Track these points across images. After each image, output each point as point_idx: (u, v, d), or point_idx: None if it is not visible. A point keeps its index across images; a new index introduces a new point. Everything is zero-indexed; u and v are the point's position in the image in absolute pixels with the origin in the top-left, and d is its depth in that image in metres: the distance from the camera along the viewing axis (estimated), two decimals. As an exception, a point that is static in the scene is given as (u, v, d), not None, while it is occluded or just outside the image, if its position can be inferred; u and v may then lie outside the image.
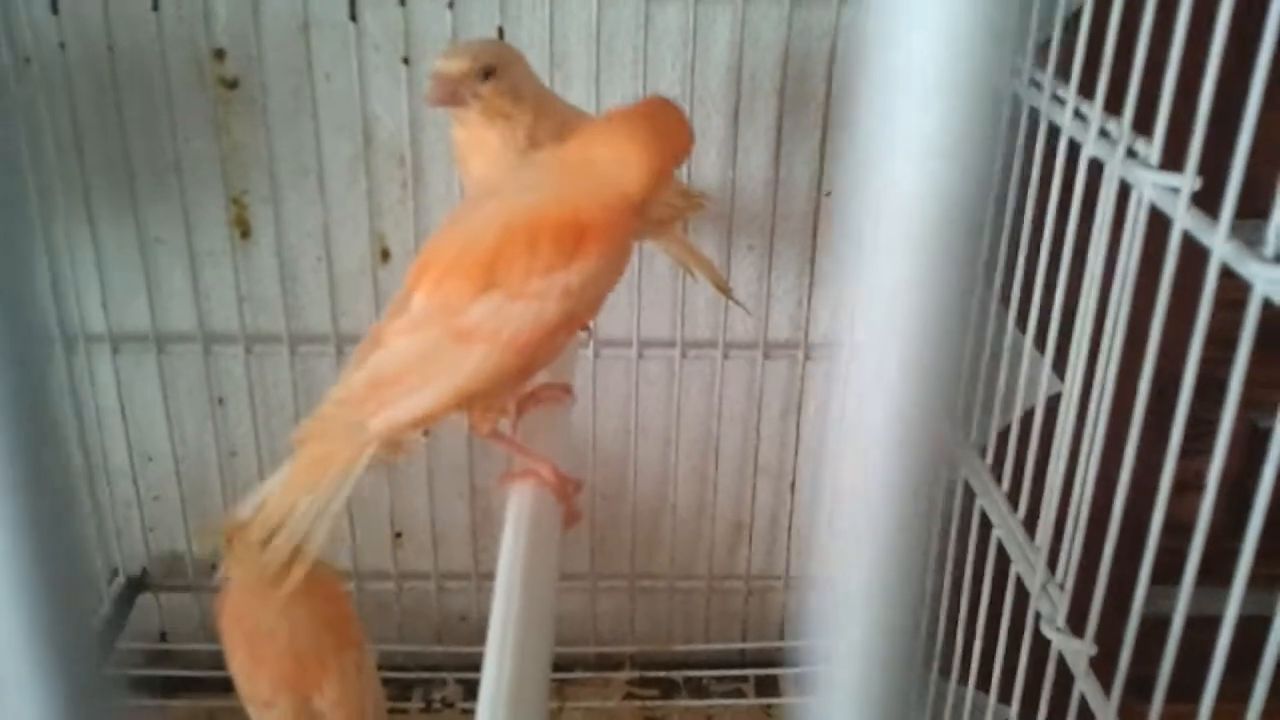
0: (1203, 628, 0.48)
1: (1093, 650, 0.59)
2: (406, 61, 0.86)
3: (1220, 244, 0.46)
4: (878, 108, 0.17)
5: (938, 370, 0.18)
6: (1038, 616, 0.64)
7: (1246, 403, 0.46)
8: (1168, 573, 0.52)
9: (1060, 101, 0.62)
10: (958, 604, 0.79)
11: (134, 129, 0.87)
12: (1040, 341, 0.68)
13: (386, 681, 1.01)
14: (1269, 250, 0.43)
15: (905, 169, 0.17)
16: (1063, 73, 0.63)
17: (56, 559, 0.18)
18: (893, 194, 0.17)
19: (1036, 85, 0.65)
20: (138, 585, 1.02)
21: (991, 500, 0.72)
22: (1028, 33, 0.67)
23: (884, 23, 0.17)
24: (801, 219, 0.93)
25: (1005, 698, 0.73)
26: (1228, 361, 0.46)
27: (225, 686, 1.00)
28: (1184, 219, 0.49)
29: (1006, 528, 0.69)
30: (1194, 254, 0.49)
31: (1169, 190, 0.51)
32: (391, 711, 0.99)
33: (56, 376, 0.17)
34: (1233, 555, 0.46)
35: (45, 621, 0.18)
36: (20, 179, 0.16)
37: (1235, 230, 0.47)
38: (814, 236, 0.93)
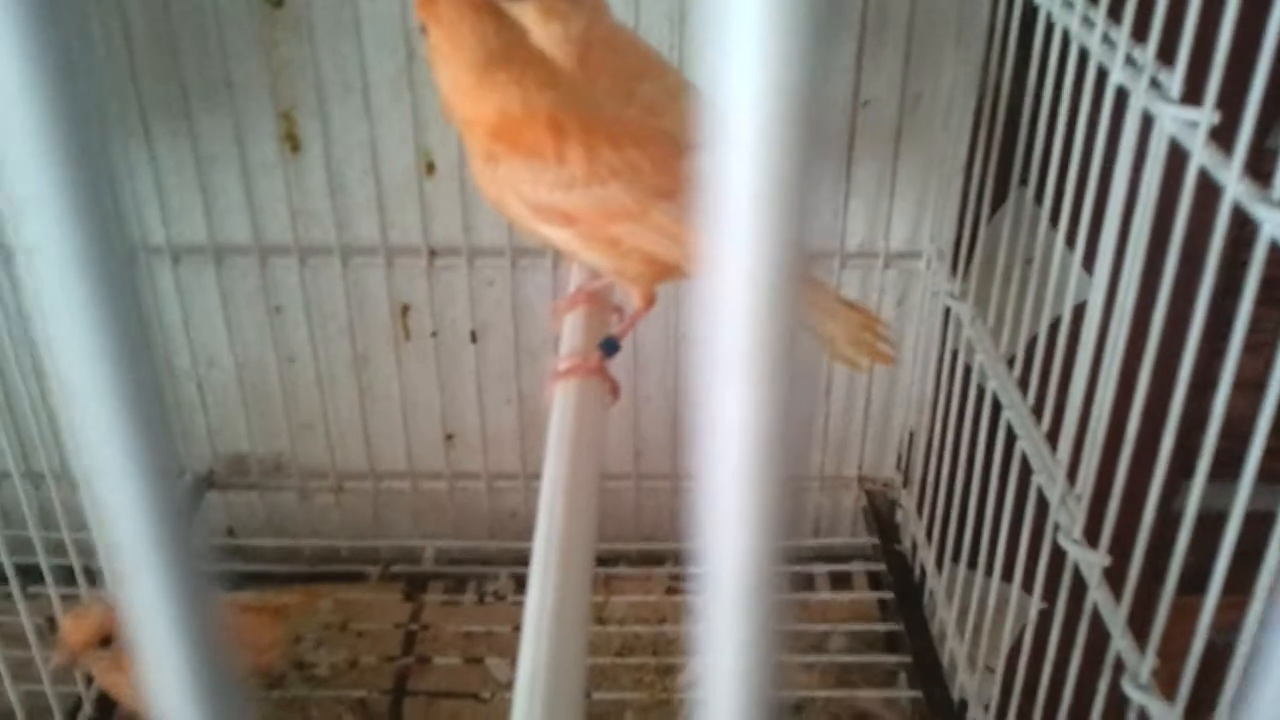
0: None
1: (1107, 561, 0.61)
2: (447, -22, 0.87)
3: (1234, 184, 0.47)
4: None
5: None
6: (1056, 527, 0.66)
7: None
8: (1191, 469, 0.54)
9: (1090, 24, 0.63)
10: (984, 508, 0.82)
11: (185, 48, 0.90)
12: (1070, 241, 0.69)
13: (442, 575, 1.07)
14: (1279, 194, 0.44)
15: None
16: (1094, -6, 0.63)
17: (156, 437, 0.19)
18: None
19: (1069, 5, 0.66)
20: (205, 484, 1.08)
21: (1017, 412, 0.74)
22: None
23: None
24: (837, 130, 0.94)
25: (1028, 588, 0.76)
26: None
27: (289, 579, 1.07)
28: (1201, 155, 0.50)
29: (1030, 440, 0.72)
30: (1211, 185, 0.50)
31: (1188, 124, 0.52)
32: (446, 604, 1.05)
33: (140, 278, 0.19)
34: (1273, 453, 0.48)
35: (152, 491, 0.19)
36: (97, 90, 0.17)
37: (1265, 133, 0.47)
38: (849, 147, 0.94)
